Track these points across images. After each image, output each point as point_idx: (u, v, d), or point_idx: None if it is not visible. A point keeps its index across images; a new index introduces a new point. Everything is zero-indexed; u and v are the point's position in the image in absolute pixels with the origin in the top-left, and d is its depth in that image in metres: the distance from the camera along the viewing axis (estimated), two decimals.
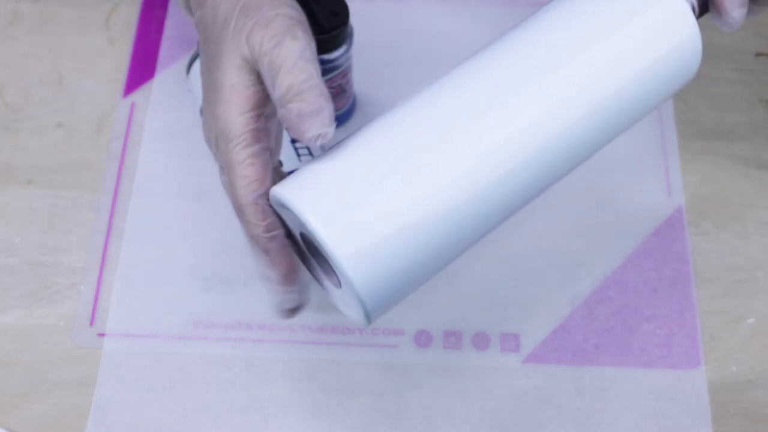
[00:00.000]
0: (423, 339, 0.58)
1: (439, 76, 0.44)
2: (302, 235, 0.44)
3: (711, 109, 0.67)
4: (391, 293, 0.42)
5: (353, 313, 0.44)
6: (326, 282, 0.45)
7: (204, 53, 0.48)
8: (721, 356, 0.58)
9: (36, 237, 0.62)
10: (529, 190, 0.43)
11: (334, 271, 0.42)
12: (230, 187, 0.44)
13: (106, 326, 0.58)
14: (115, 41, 0.70)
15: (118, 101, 0.67)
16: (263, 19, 0.44)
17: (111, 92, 0.67)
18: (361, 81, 0.65)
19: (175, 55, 0.69)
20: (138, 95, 0.67)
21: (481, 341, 0.58)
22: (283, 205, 0.42)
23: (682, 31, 0.44)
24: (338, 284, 0.43)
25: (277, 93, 0.42)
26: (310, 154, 0.58)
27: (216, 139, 0.45)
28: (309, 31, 0.45)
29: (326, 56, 0.58)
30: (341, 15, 0.57)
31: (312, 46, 0.44)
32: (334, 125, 0.42)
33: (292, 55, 0.43)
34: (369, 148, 0.42)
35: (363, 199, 0.40)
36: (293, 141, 0.58)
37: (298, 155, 0.58)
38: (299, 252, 0.46)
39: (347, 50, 0.59)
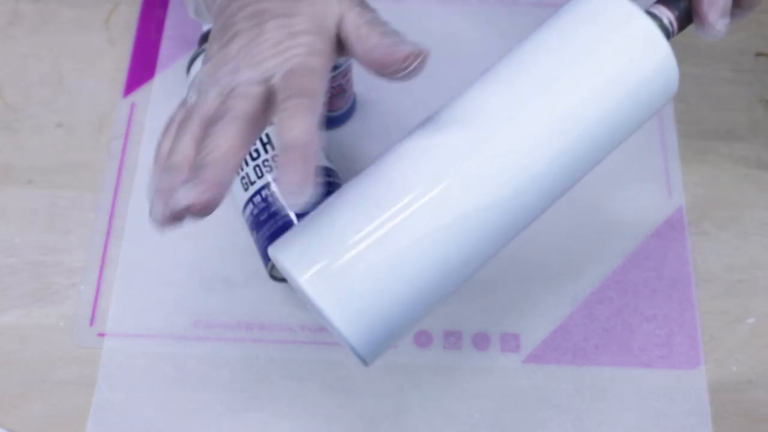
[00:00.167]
0: (423, 339, 0.58)
1: (420, 123, 0.45)
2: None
3: (711, 109, 0.67)
4: (385, 341, 0.43)
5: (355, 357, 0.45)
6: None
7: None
8: (721, 356, 0.58)
9: (36, 237, 0.62)
10: (509, 234, 0.45)
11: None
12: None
13: (106, 326, 0.58)
14: (115, 41, 0.70)
15: (118, 101, 0.67)
16: None
17: (111, 92, 0.67)
18: (361, 81, 0.65)
19: (175, 55, 0.69)
20: (138, 95, 0.67)
21: (481, 341, 0.58)
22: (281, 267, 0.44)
23: (655, 57, 0.44)
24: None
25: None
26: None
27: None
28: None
29: None
30: None
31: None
32: None
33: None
34: (351, 204, 0.43)
35: (348, 255, 0.42)
36: (255, 158, 0.57)
37: (260, 174, 0.57)
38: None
39: None
